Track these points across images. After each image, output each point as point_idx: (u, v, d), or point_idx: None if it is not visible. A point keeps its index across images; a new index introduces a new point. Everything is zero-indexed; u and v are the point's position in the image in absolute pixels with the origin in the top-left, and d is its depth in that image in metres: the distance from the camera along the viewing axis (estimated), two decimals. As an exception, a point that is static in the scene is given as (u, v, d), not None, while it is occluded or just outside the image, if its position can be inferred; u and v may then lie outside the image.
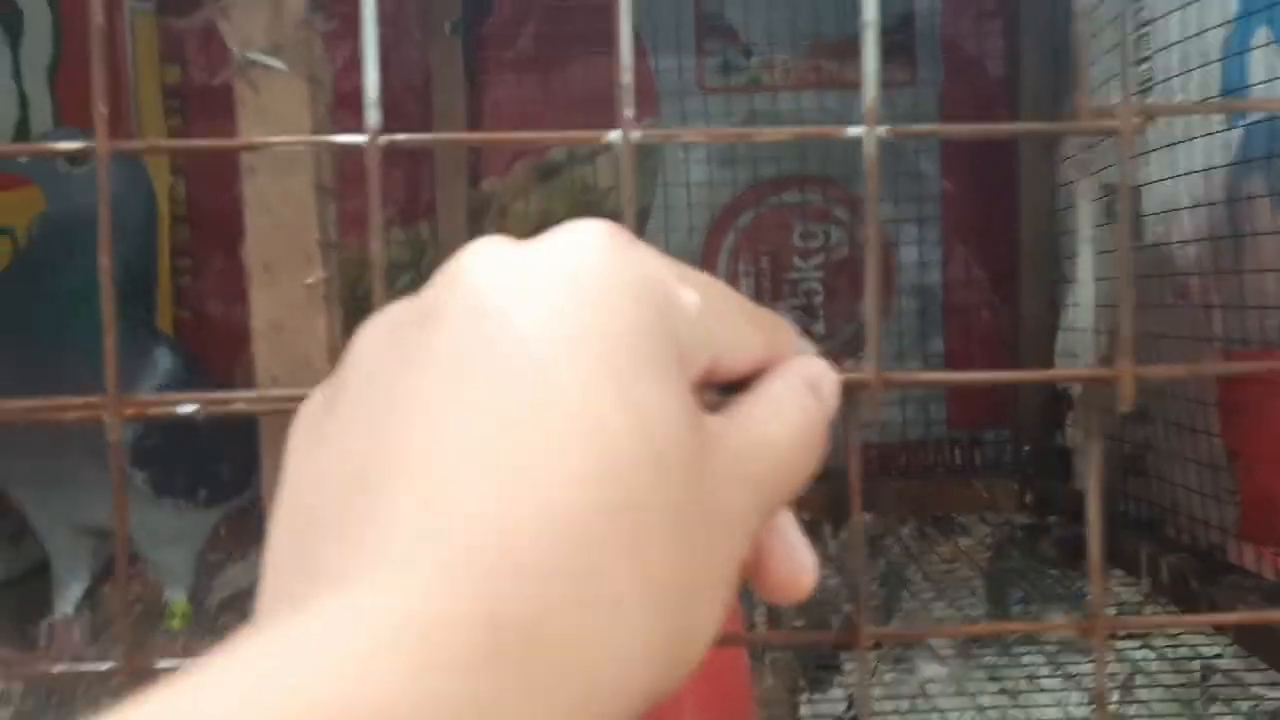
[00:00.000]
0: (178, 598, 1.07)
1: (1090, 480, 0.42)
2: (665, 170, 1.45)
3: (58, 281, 0.90)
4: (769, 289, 1.47)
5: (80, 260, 0.90)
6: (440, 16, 1.39)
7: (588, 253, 0.24)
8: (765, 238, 1.47)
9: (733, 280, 1.47)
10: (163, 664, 0.48)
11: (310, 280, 0.57)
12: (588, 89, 1.45)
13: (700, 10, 1.44)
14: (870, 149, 0.40)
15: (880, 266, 0.41)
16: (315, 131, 0.57)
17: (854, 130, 0.40)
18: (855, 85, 1.45)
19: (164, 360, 0.95)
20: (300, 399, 0.57)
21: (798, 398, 0.28)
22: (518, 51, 1.45)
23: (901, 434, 1.46)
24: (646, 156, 1.46)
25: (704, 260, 1.47)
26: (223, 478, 1.03)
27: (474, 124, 1.44)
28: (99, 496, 0.95)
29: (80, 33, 1.26)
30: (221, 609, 1.15)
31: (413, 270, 1.47)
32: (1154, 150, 1.08)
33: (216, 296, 1.45)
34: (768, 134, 0.42)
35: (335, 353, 0.60)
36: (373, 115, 0.49)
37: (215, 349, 1.45)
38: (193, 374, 0.98)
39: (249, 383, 1.60)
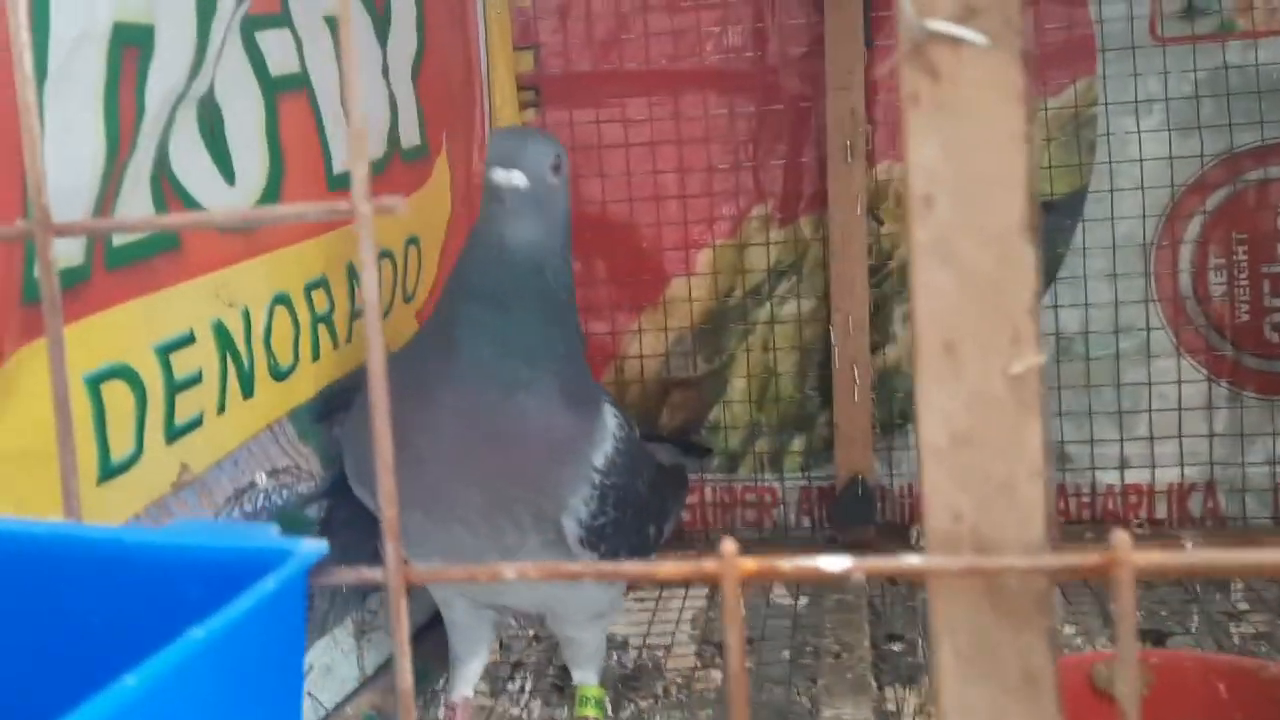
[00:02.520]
0: (590, 681, 0.91)
1: None
2: (1109, 143, 1.18)
3: (526, 304, 0.76)
4: (1246, 286, 1.18)
5: (518, 277, 0.75)
6: (835, -27, 1.17)
7: None
8: (1242, 222, 1.17)
9: (1200, 276, 1.19)
10: None
11: (1018, 368, 0.36)
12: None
13: (1155, -58, 1.16)
14: None
15: None
16: (1027, 133, 0.36)
17: None
18: (1362, 23, 1.13)
19: (610, 420, 0.78)
20: (1001, 569, 0.35)
21: None
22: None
23: None
24: (1083, 126, 1.19)
25: (1159, 254, 1.19)
26: (649, 546, 0.87)
27: (869, 95, 1.21)
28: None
29: (441, 24, 1.11)
30: (625, 687, 0.99)
31: (793, 275, 1.26)
32: None
33: (591, 314, 1.27)
34: None
35: (1039, 477, 0.39)
36: None
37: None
38: (627, 431, 0.80)
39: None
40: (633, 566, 0.39)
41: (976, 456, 0.38)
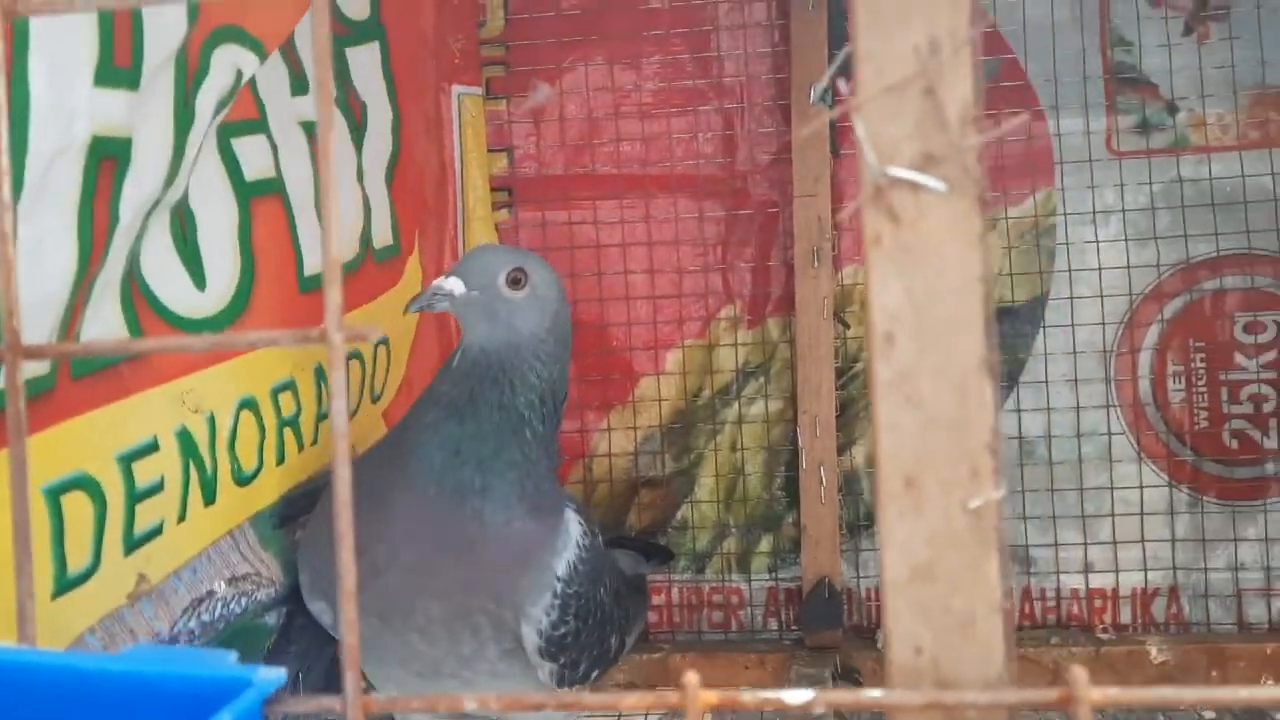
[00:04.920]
0: (551, 793, 0.89)
1: None
2: (1068, 252, 1.21)
3: (479, 412, 0.76)
4: (1204, 394, 1.20)
5: (473, 385, 0.76)
6: (801, 82, 1.20)
7: None
8: (1199, 330, 1.20)
9: (1159, 383, 1.21)
10: None
11: (976, 503, 0.37)
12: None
13: (1110, 61, 1.20)
14: None
15: None
16: (985, 275, 0.37)
17: None
18: (1309, 141, 1.18)
19: (574, 528, 0.78)
20: (961, 704, 0.35)
21: None
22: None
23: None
24: (1043, 235, 1.22)
25: (1119, 360, 1.21)
26: (610, 657, 0.86)
27: (835, 203, 1.24)
28: (482, 689, 0.78)
29: (416, 127, 1.13)
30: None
31: (761, 375, 1.27)
32: None
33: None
34: None
35: (998, 611, 0.39)
36: None
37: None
38: (592, 538, 0.80)
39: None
40: (595, 698, 0.38)
41: (937, 591, 0.38)
